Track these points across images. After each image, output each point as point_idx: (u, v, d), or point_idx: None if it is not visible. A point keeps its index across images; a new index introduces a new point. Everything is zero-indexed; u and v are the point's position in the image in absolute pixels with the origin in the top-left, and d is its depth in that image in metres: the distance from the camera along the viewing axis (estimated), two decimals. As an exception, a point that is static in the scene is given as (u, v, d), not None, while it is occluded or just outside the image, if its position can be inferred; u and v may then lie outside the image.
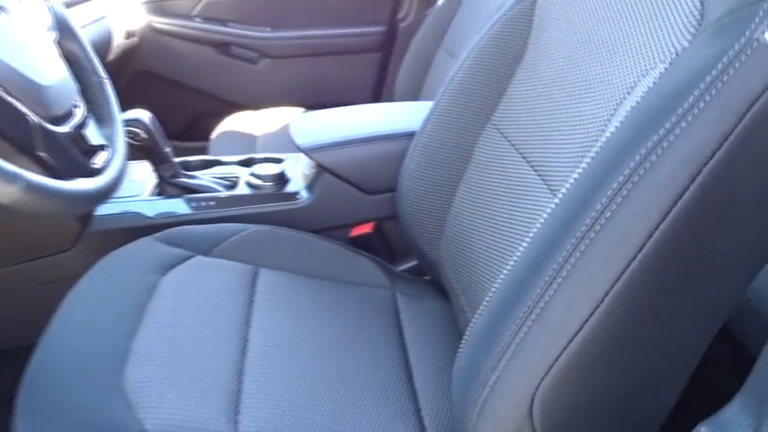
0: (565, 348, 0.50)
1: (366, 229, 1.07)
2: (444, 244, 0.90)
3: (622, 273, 0.47)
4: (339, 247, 0.99)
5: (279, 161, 1.16)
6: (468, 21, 1.50)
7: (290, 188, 1.07)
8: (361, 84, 1.94)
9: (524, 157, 0.74)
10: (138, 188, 1.08)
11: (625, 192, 0.47)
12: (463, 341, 0.62)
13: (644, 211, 0.46)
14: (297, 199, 1.06)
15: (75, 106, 0.73)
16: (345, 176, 1.04)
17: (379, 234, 1.08)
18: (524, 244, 0.58)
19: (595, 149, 0.54)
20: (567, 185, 0.56)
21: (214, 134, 1.57)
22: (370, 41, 1.91)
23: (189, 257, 0.90)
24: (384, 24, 1.91)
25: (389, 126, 1.07)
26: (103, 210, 1.03)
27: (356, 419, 0.70)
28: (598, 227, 0.48)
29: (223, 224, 0.98)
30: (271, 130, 1.55)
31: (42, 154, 0.64)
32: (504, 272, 0.59)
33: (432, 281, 1.01)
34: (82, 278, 0.83)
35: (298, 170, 1.13)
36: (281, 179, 1.08)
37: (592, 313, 0.48)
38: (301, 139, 1.04)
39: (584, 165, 0.54)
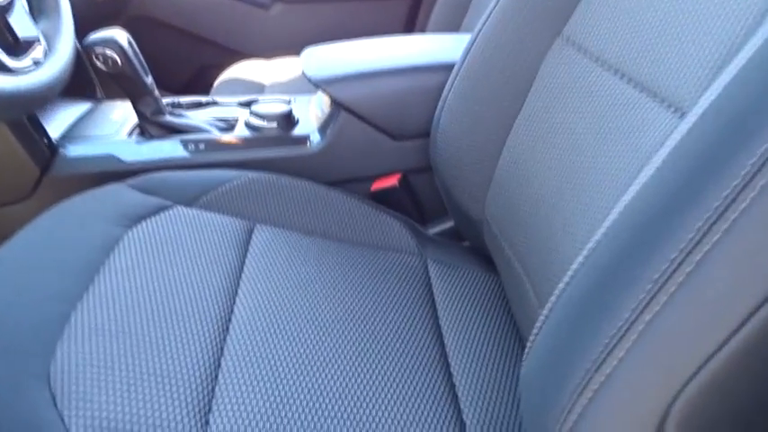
0: (718, 350, 0.30)
1: (391, 182, 0.86)
2: (492, 198, 0.70)
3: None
4: (357, 202, 0.79)
5: (287, 102, 0.97)
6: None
7: (298, 131, 0.87)
8: (386, 33, 1.72)
9: (622, 75, 0.53)
10: (113, 128, 0.89)
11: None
12: (536, 331, 0.42)
13: None
14: (306, 143, 0.86)
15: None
16: (367, 116, 0.84)
17: (406, 189, 0.87)
18: (627, 197, 0.37)
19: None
20: (704, 105, 0.35)
21: (216, 82, 1.37)
22: (397, -15, 1.69)
23: (166, 208, 0.71)
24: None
25: (424, 56, 0.86)
26: (69, 151, 0.84)
27: (376, 422, 0.50)
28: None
29: (213, 170, 0.79)
30: (282, 79, 1.35)
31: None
32: (597, 237, 0.38)
33: (471, 247, 0.81)
34: (22, 229, 0.64)
35: (310, 112, 0.93)
36: (288, 120, 0.88)
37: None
38: (314, 69, 0.84)
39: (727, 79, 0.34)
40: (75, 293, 0.55)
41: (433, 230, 0.89)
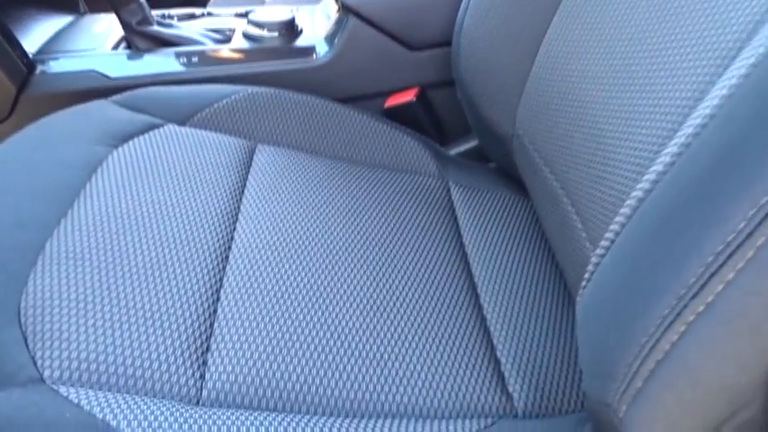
0: None
1: (407, 97, 0.78)
2: (525, 108, 0.62)
3: None
4: (369, 119, 0.71)
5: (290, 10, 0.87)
6: None
7: (302, 41, 0.78)
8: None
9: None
10: (97, 41, 0.80)
11: None
12: (601, 253, 0.35)
13: None
14: (312, 55, 0.77)
15: None
16: (379, 23, 0.75)
17: (423, 104, 0.79)
18: (730, 80, 0.29)
19: None
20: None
21: (213, -2, 1.26)
22: None
23: (156, 126, 0.63)
24: None
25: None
26: (48, 67, 0.75)
27: (400, 360, 0.44)
28: None
29: (208, 86, 0.70)
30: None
31: None
32: (695, 126, 0.30)
33: (498, 168, 0.73)
34: (-7, 148, 0.57)
35: (315, 21, 0.83)
36: (291, 29, 0.78)
37: None
38: (318, -31, 0.74)
39: None
40: (52, 218, 0.48)
41: (455, 151, 0.81)
